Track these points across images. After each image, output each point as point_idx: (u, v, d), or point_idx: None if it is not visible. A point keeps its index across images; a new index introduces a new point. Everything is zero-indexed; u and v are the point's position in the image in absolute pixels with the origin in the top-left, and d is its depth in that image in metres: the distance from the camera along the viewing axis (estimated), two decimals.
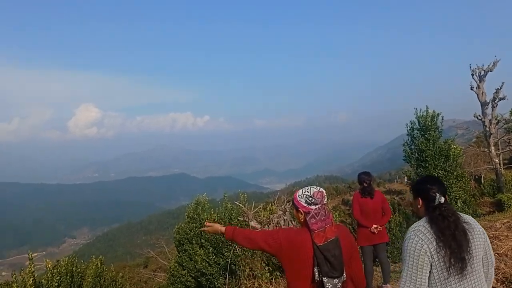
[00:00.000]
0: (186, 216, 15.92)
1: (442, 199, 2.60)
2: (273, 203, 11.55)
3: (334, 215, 16.92)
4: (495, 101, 19.44)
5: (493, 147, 19.91)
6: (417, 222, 2.66)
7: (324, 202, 2.74)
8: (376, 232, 6.27)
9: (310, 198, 2.72)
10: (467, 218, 2.68)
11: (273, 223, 8.31)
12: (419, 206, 2.75)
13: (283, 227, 8.23)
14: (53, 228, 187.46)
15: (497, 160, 20.29)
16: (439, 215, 2.56)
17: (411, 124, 13.69)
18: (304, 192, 2.78)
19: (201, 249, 12.04)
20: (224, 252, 11.66)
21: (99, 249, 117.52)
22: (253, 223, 8.35)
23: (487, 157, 24.39)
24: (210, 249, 12.36)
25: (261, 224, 8.37)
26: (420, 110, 13.41)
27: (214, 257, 11.74)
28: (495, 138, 22.11)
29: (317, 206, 2.69)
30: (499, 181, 19.55)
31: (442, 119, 13.31)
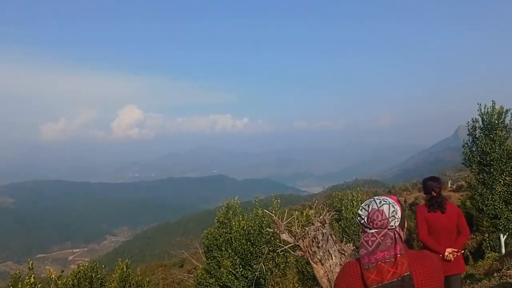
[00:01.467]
0: (216, 221, 14.91)
1: None
2: (309, 208, 10.10)
3: None
4: None
5: None
6: None
7: (390, 226, 1.95)
8: (452, 259, 4.61)
9: (361, 219, 2.04)
10: None
11: (308, 237, 6.90)
12: None
13: (321, 242, 6.82)
14: (95, 225, 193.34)
15: None
16: None
17: (473, 122, 11.81)
18: (363, 207, 2.06)
19: (228, 259, 10.82)
20: (252, 264, 10.41)
21: (138, 247, 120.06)
22: (284, 236, 7.00)
23: None
24: (238, 261, 11.13)
25: (295, 238, 6.99)
26: (485, 106, 11.51)
27: (241, 269, 10.51)
28: None
29: (371, 232, 1.97)
30: None
31: None
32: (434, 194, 4.84)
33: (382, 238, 1.94)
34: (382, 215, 1.97)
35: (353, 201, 16.40)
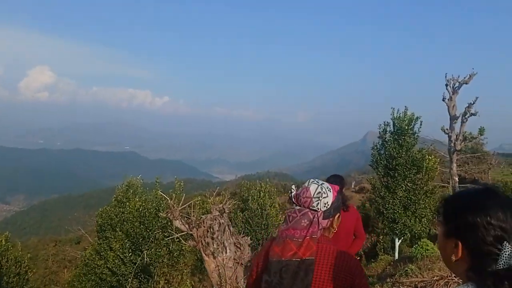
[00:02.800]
0: (113, 199, 13.82)
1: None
2: (218, 195, 9.48)
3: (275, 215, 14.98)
4: (466, 116, 18.26)
5: (455, 164, 18.81)
6: None
7: (312, 207, 1.92)
8: None
9: (291, 193, 2.04)
10: None
11: (204, 227, 6.26)
12: (453, 257, 1.29)
13: (216, 233, 6.23)
14: None
15: (457, 179, 19.25)
16: None
17: (385, 125, 11.95)
18: (301, 187, 2.04)
19: (118, 242, 9.86)
20: (143, 249, 9.57)
21: (34, 219, 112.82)
22: (178, 223, 6.28)
23: (447, 174, 23.48)
24: (128, 244, 10.23)
25: (189, 226, 6.31)
26: (398, 110, 11.67)
27: (130, 254, 9.61)
28: (459, 154, 21.10)
29: (296, 208, 1.96)
30: None
31: (421, 124, 11.65)
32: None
33: (300, 216, 1.92)
34: (306, 192, 1.95)
35: (260, 192, 16.09)
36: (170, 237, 7.05)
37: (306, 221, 1.89)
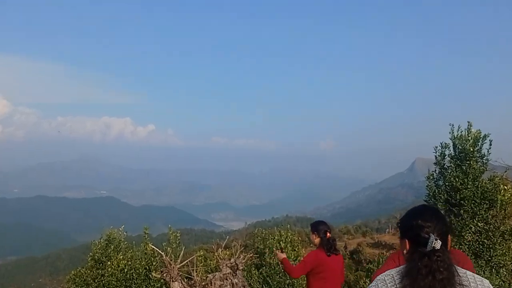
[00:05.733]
0: (89, 258, 13.72)
1: (438, 244, 2.42)
2: (224, 249, 9.36)
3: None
4: None
5: None
6: (388, 271, 2.53)
7: None
8: None
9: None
10: (471, 279, 2.45)
11: None
12: (405, 251, 2.58)
13: None
14: None
15: None
16: (424, 267, 2.36)
17: (442, 148, 11.73)
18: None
19: None
20: None
21: None
22: (176, 285, 6.08)
23: None
24: None
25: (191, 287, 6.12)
26: (459, 127, 11.47)
27: None
28: None
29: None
30: None
31: (490, 144, 11.40)
32: (329, 236, 6.23)
33: None
34: None
35: (280, 242, 15.89)
36: None
37: None
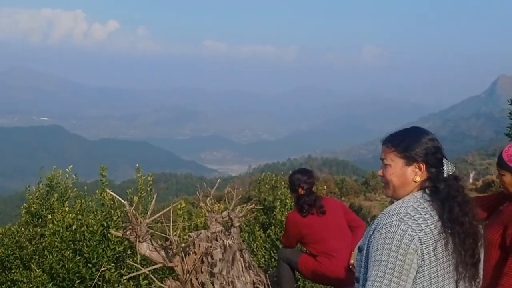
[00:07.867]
0: (23, 211, 13.98)
1: (453, 168, 2.86)
2: (202, 200, 9.34)
3: None
4: None
5: None
6: (399, 201, 2.77)
7: None
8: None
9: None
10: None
11: (195, 253, 6.25)
12: (418, 177, 2.84)
13: (218, 265, 6.27)
14: None
15: None
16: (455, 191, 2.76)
17: None
18: None
19: None
20: None
21: None
22: (145, 248, 6.16)
23: None
24: None
25: (166, 253, 6.26)
26: None
27: None
28: None
29: None
30: None
31: None
32: (302, 192, 6.43)
33: None
34: None
35: None
36: (132, 274, 7.07)
37: None
